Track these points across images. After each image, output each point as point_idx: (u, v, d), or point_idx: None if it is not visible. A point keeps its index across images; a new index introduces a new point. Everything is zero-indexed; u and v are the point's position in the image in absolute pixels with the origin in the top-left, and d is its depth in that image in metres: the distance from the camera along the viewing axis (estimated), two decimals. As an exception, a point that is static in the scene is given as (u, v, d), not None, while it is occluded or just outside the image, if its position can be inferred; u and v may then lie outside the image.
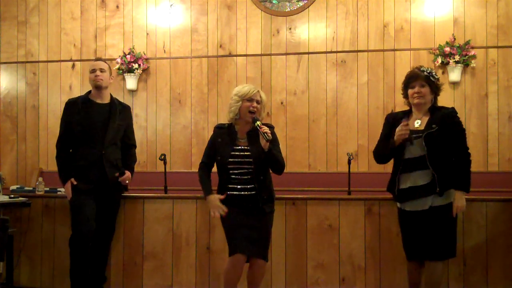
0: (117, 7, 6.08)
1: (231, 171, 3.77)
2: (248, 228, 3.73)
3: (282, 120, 5.71)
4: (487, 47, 5.44)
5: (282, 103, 5.74)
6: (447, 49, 5.39)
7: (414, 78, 3.65)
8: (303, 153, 5.67)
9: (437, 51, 5.44)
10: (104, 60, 4.41)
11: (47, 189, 4.92)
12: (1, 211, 4.64)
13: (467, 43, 5.40)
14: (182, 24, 5.98)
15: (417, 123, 3.61)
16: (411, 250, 3.66)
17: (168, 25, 5.99)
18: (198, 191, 4.56)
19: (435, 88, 3.66)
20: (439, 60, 5.42)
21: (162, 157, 4.84)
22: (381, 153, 3.76)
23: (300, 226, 4.38)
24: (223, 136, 3.86)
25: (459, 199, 3.60)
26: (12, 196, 4.75)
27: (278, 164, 3.79)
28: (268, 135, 3.60)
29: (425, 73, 3.63)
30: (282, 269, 4.37)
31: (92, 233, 4.14)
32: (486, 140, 5.40)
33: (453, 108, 3.71)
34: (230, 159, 3.76)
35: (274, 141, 3.78)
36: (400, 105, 5.17)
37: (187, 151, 5.85)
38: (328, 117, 5.65)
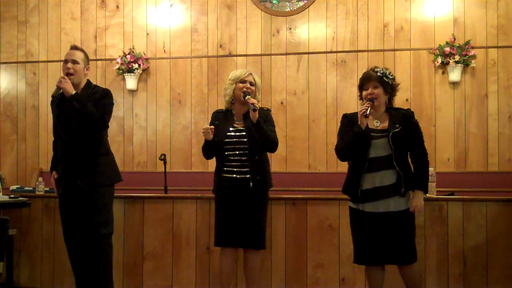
0: (117, 7, 6.08)
1: (227, 152, 3.85)
2: (239, 217, 3.81)
3: (282, 120, 5.71)
4: (487, 47, 5.44)
5: (282, 103, 5.74)
6: (447, 49, 5.39)
7: (367, 79, 3.60)
8: (303, 153, 5.67)
9: (437, 51, 5.44)
10: (81, 49, 3.98)
11: (47, 189, 4.92)
12: (1, 211, 4.64)
13: (467, 43, 5.40)
14: (182, 24, 5.98)
15: (377, 122, 3.59)
16: (374, 255, 3.54)
17: (168, 25, 5.99)
18: (198, 191, 4.58)
19: (390, 89, 3.63)
20: (439, 60, 5.42)
21: (162, 157, 4.84)
22: (348, 144, 3.55)
23: (300, 226, 4.38)
24: (220, 120, 3.97)
25: (418, 199, 3.56)
26: (12, 196, 4.75)
27: (267, 138, 3.83)
28: (255, 105, 3.72)
29: (378, 73, 3.58)
30: (282, 269, 4.37)
31: (74, 233, 3.84)
32: (486, 140, 5.40)
33: (409, 109, 3.71)
34: (225, 140, 3.85)
35: (268, 121, 3.90)
36: (400, 105, 5.16)
37: (187, 151, 5.85)
38: (328, 117, 5.64)
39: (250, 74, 3.96)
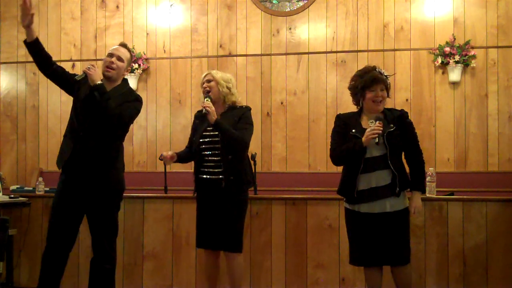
0: (117, 7, 6.08)
1: (203, 152, 3.83)
2: (215, 218, 3.79)
3: (282, 120, 5.72)
4: (487, 47, 5.44)
5: (282, 103, 5.74)
6: (447, 49, 5.39)
7: (375, 81, 3.56)
8: (303, 153, 5.67)
9: (437, 51, 5.44)
10: (129, 49, 3.83)
11: (47, 189, 4.92)
12: (1, 211, 4.64)
13: (467, 43, 5.40)
14: (182, 24, 5.98)
15: (371, 123, 3.57)
16: (370, 256, 3.54)
17: (168, 25, 5.99)
18: (198, 191, 4.56)
19: (388, 90, 3.63)
20: (439, 60, 5.42)
21: (162, 157, 4.84)
22: (345, 154, 3.55)
23: (300, 226, 4.38)
24: (200, 119, 3.95)
25: (417, 200, 3.57)
26: (12, 196, 4.76)
27: (230, 138, 3.70)
28: (206, 109, 3.67)
29: (384, 76, 3.59)
30: (282, 269, 4.37)
31: (64, 244, 3.66)
32: (486, 140, 5.40)
33: (403, 109, 3.70)
34: (201, 140, 3.83)
35: (242, 119, 3.82)
36: (400, 105, 5.19)
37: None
38: (328, 117, 5.64)
39: (208, 73, 3.91)
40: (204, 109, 3.71)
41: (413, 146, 3.61)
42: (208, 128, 3.83)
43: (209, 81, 3.87)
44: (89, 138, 3.63)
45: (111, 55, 3.71)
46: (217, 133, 3.78)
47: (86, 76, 3.63)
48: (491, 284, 4.14)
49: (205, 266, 3.98)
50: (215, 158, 3.79)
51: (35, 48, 3.68)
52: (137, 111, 3.79)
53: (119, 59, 3.70)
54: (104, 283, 3.71)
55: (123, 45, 3.82)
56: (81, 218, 3.71)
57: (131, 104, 3.72)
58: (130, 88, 3.86)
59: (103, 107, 3.56)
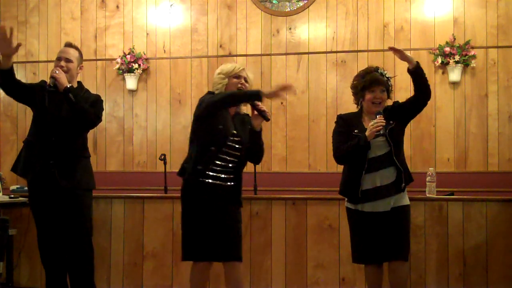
0: (117, 7, 6.08)
1: (225, 149, 3.35)
2: (221, 228, 3.32)
3: (282, 120, 5.72)
4: (487, 47, 5.44)
5: (282, 103, 5.74)
6: (447, 49, 5.39)
7: (376, 82, 3.55)
8: (303, 153, 5.67)
9: (437, 51, 5.44)
10: (76, 47, 3.80)
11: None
12: (1, 211, 4.64)
13: (467, 43, 5.40)
14: (182, 24, 5.98)
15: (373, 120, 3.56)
16: (372, 253, 3.52)
17: (168, 25, 5.99)
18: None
19: (389, 92, 3.63)
20: (439, 60, 5.42)
21: (162, 157, 4.85)
22: (350, 150, 3.49)
23: (300, 226, 4.39)
24: (226, 114, 3.47)
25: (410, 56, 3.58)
26: (12, 196, 4.77)
27: (263, 149, 3.45)
28: (268, 115, 3.32)
29: (385, 77, 3.59)
30: (282, 269, 4.37)
31: (54, 237, 3.71)
32: (486, 140, 5.40)
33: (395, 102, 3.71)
34: (232, 133, 3.35)
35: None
36: (400, 105, 5.19)
37: (187, 151, 5.83)
38: (328, 117, 5.64)
39: (244, 69, 3.56)
40: (263, 113, 3.31)
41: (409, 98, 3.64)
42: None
43: (246, 80, 3.51)
44: (62, 142, 3.63)
45: (59, 58, 3.69)
46: (238, 138, 3.38)
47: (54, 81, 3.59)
48: (491, 284, 4.15)
49: (200, 280, 3.44)
50: (230, 165, 3.37)
51: (9, 75, 3.62)
52: (103, 110, 3.85)
53: (68, 60, 3.68)
54: (87, 254, 3.69)
55: (69, 44, 3.80)
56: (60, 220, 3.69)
57: (97, 104, 3.75)
58: (87, 89, 3.83)
59: (78, 108, 3.57)
